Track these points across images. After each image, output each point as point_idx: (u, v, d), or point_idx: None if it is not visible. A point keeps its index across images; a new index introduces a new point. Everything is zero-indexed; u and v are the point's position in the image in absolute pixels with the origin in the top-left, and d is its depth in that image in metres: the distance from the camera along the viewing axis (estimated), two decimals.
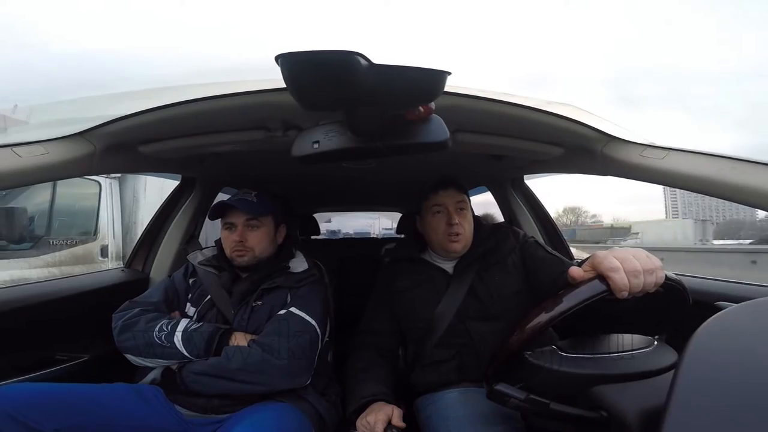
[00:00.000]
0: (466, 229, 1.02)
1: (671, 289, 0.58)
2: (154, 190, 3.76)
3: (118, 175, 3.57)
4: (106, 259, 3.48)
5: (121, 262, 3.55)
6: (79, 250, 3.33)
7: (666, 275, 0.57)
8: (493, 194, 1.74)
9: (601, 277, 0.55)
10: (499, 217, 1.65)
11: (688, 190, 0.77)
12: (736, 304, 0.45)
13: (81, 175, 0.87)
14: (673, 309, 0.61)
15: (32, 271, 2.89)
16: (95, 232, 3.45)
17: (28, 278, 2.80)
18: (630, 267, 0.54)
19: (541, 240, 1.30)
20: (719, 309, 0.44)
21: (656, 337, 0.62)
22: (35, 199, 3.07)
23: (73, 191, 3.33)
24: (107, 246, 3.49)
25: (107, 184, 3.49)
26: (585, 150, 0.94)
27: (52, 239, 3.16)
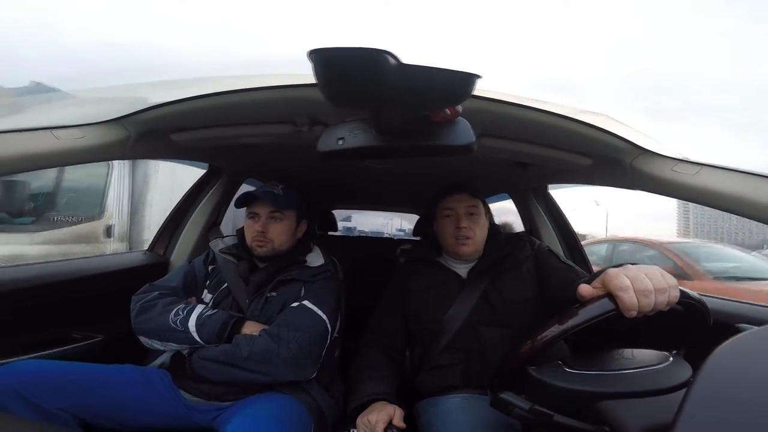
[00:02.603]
0: (477, 234, 1.02)
1: (692, 308, 0.57)
2: (167, 172, 3.71)
3: None
4: (111, 239, 3.36)
5: (126, 243, 3.47)
6: (82, 228, 3.20)
7: (688, 294, 0.56)
8: (514, 202, 1.71)
9: (611, 296, 0.54)
10: (519, 227, 1.62)
11: (721, 209, 0.73)
12: (757, 327, 0.44)
13: (115, 159, 0.91)
14: (693, 328, 0.59)
15: (32, 248, 2.78)
16: (101, 212, 3.32)
17: (26, 255, 2.71)
18: (640, 286, 0.53)
19: (556, 249, 1.27)
20: (740, 331, 0.43)
21: (674, 352, 0.60)
22: (43, 175, 2.96)
23: (82, 169, 3.23)
24: (112, 226, 3.37)
25: (118, 163, 3.40)
26: (614, 162, 0.92)
27: (54, 215, 3.02)
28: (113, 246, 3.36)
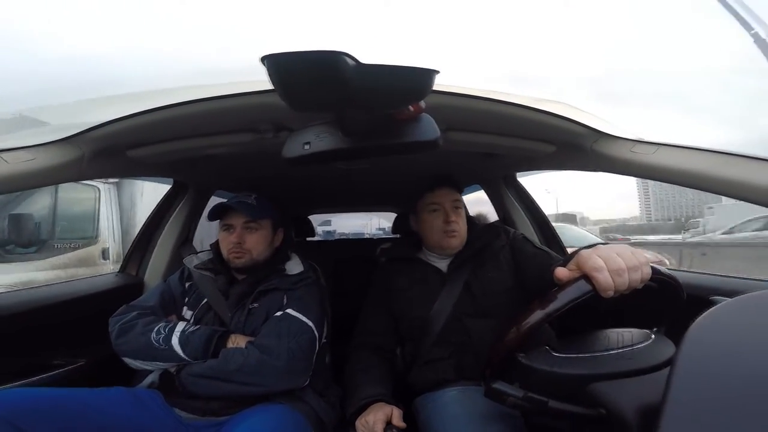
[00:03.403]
0: (462, 227, 1.04)
1: (665, 284, 0.58)
2: (151, 192, 3.85)
3: (116, 179, 3.66)
4: (108, 261, 3.58)
5: (121, 263, 3.68)
6: (81, 253, 3.44)
7: (660, 270, 0.58)
8: (486, 192, 1.75)
9: (586, 277, 0.55)
10: (492, 217, 1.66)
11: (679, 185, 0.77)
12: (730, 299, 0.46)
13: (69, 180, 0.86)
14: (668, 304, 0.61)
15: (38, 274, 3.01)
16: (96, 236, 3.56)
17: (35, 280, 2.89)
18: (614, 266, 0.54)
19: (530, 236, 1.31)
20: (714, 304, 0.44)
21: (654, 329, 0.62)
22: (38, 204, 3.18)
23: (72, 196, 3.45)
24: (108, 248, 3.59)
25: (105, 188, 3.61)
26: (576, 147, 0.95)
27: (56, 243, 3.26)
28: (111, 267, 3.59)
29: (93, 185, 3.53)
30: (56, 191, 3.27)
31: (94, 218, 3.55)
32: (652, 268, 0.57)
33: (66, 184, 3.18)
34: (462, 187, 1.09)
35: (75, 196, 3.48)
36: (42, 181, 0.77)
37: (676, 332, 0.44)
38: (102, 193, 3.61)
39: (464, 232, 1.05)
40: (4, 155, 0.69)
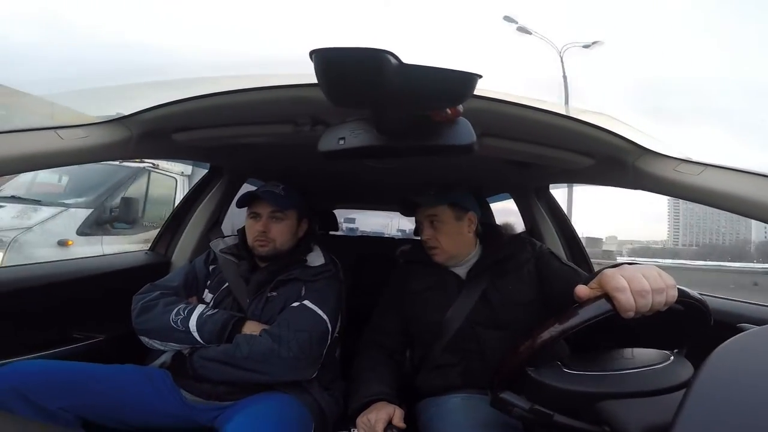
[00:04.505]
0: (443, 241, 1.01)
1: (692, 307, 0.56)
2: None
3: (189, 172, 4.35)
4: None
5: None
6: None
7: (688, 293, 0.55)
8: (515, 202, 1.71)
9: (608, 297, 0.53)
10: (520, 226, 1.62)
11: (725, 209, 0.73)
12: (758, 326, 0.43)
13: (117, 158, 0.91)
14: (694, 327, 0.59)
15: (129, 245, 3.64)
16: None
17: (127, 249, 3.39)
18: (637, 287, 0.52)
19: (557, 251, 1.27)
20: (741, 330, 0.43)
21: (674, 351, 0.60)
22: (135, 189, 3.90)
23: (159, 181, 4.18)
24: None
25: (181, 179, 4.38)
26: (616, 162, 0.91)
27: (144, 222, 3.96)
28: None
29: (172, 176, 4.23)
30: (149, 179, 4.00)
31: (171, 203, 4.16)
32: (681, 290, 0.55)
33: (153, 175, 3.83)
34: (447, 197, 1.02)
35: (160, 183, 4.15)
36: (93, 157, 0.82)
37: (699, 355, 0.43)
38: (178, 182, 4.32)
39: (450, 246, 1.01)
40: (61, 132, 0.73)
